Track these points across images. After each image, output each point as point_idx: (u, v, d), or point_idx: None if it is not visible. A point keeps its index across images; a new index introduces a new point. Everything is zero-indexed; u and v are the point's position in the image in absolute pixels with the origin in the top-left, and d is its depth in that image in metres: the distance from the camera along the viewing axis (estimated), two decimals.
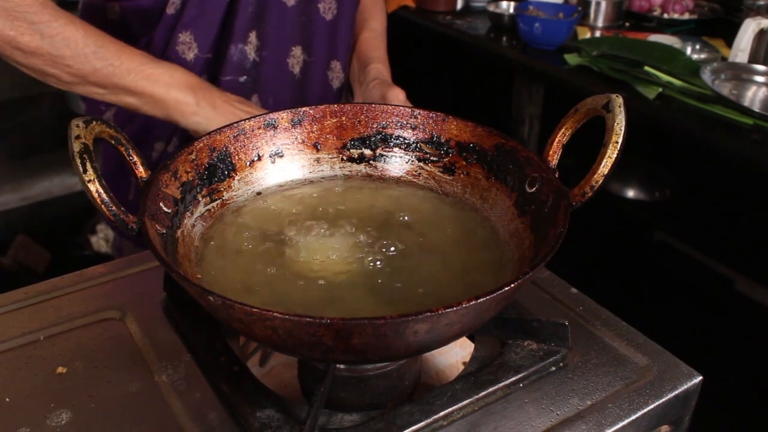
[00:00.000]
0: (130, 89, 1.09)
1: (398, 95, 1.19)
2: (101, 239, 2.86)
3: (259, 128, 0.91)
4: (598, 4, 2.48)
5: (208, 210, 0.85)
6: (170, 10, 1.24)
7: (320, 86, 1.42)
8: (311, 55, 1.39)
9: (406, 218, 0.87)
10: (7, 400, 0.77)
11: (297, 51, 1.36)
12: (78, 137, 0.70)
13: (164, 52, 1.27)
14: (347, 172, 0.95)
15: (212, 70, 1.31)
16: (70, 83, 1.08)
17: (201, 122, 1.12)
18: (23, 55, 1.03)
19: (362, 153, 0.95)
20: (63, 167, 3.22)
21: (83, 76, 1.07)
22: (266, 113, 0.92)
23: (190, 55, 1.27)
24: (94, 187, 0.69)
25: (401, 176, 0.94)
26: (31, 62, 1.05)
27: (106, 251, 2.81)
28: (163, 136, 1.34)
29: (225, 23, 1.28)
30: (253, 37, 1.29)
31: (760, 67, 1.97)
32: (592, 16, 2.49)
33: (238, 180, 0.90)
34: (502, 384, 0.79)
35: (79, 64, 1.05)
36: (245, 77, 1.32)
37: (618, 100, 0.77)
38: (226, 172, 0.88)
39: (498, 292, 0.62)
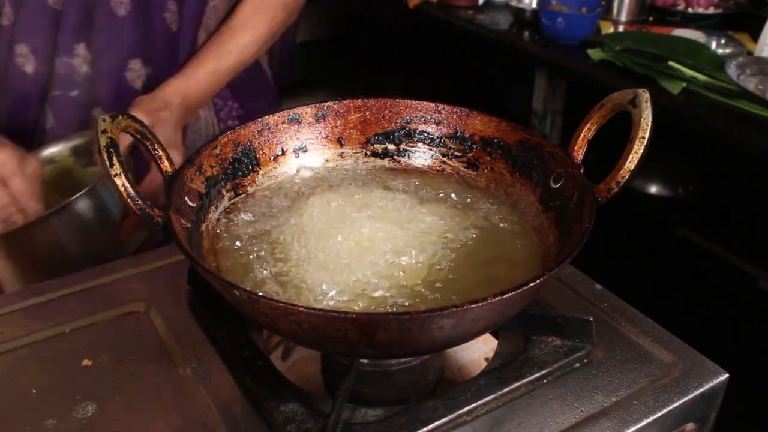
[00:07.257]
0: None
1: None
2: None
3: (283, 123, 0.91)
4: None
5: (233, 204, 0.85)
6: (4, 21, 1.20)
7: None
8: (153, 69, 1.31)
9: (429, 213, 0.87)
10: (34, 392, 0.78)
11: (135, 64, 1.29)
12: (104, 131, 0.70)
13: (6, 65, 1.23)
14: (371, 167, 0.95)
15: (45, 85, 1.26)
16: None
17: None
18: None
19: (386, 148, 0.95)
20: None
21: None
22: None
23: (30, 69, 1.23)
24: (120, 181, 0.70)
25: (425, 171, 0.94)
26: None
27: None
28: None
29: (54, 36, 1.23)
30: (81, 49, 1.24)
31: None
32: (615, 10, 2.47)
33: (262, 174, 0.90)
34: (526, 380, 0.78)
35: None
36: (77, 91, 1.26)
37: (644, 95, 0.76)
38: (250, 167, 0.88)
39: (523, 288, 0.62)
